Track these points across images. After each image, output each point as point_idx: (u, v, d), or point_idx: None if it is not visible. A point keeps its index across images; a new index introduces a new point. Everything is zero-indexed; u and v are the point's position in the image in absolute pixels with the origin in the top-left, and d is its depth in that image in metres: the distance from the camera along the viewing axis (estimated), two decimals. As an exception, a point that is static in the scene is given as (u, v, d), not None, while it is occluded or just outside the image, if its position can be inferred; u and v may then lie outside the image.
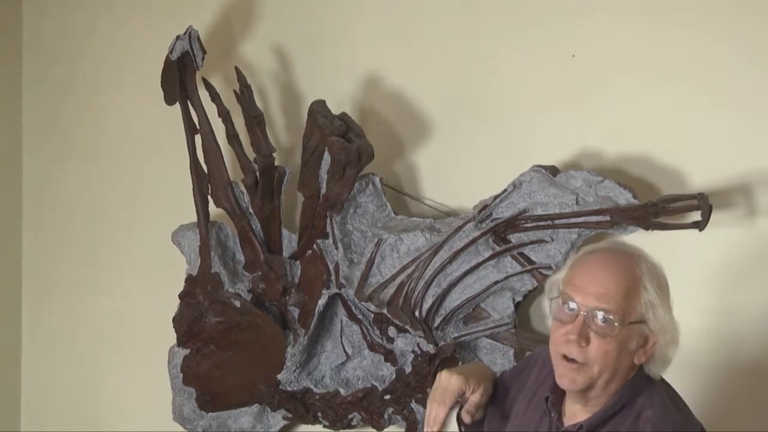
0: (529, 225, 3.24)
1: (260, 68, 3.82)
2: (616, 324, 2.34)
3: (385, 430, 3.55)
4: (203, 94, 3.61)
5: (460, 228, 3.30)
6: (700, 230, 3.03)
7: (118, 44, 4.18)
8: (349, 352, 3.54)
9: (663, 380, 2.48)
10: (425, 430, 2.58)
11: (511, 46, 3.43)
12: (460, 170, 3.52)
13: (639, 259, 2.40)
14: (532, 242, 3.25)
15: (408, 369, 3.42)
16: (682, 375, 2.57)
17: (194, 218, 3.66)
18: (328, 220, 3.46)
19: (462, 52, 3.52)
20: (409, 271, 3.36)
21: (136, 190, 4.14)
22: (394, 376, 3.46)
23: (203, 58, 3.52)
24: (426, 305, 3.35)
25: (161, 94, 3.61)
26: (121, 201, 4.19)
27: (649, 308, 2.36)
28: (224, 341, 3.60)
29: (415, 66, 3.60)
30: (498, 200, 3.26)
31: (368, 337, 3.49)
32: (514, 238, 3.28)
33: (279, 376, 3.57)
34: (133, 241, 4.16)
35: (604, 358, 2.36)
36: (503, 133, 3.44)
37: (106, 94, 4.21)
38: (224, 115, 3.57)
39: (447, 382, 2.59)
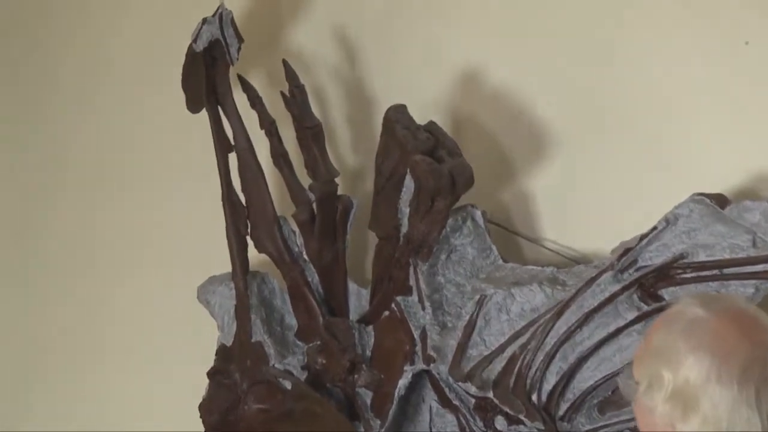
0: (689, 275, 3.07)
1: (317, 62, 3.69)
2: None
3: None
4: (240, 98, 3.46)
5: (593, 280, 3.13)
6: None
7: (116, 28, 4.08)
8: (442, 450, 3.27)
9: None
10: None
11: (658, 31, 3.24)
12: (591, 201, 3.36)
13: (667, 315, 2.46)
14: (692, 300, 3.05)
15: (524, 473, 3.17)
16: None
17: (228, 268, 3.52)
18: (412, 270, 3.31)
19: (593, 40, 3.34)
20: (523, 339, 3.20)
21: (148, 229, 4.03)
22: (504, 483, 3.20)
23: (239, 49, 3.38)
24: (547, 386, 3.19)
25: (182, 97, 3.48)
26: (125, 244, 4.09)
27: (650, 373, 2.42)
28: (270, 436, 3.35)
29: (528, 59, 3.42)
30: (645, 242, 3.10)
31: (467, 430, 3.32)
32: (668, 293, 3.10)
33: (346, 485, 3.30)
34: (143, 301, 4.02)
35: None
36: (650, 150, 3.26)
37: (98, 96, 4.12)
38: (268, 126, 3.44)
39: None
